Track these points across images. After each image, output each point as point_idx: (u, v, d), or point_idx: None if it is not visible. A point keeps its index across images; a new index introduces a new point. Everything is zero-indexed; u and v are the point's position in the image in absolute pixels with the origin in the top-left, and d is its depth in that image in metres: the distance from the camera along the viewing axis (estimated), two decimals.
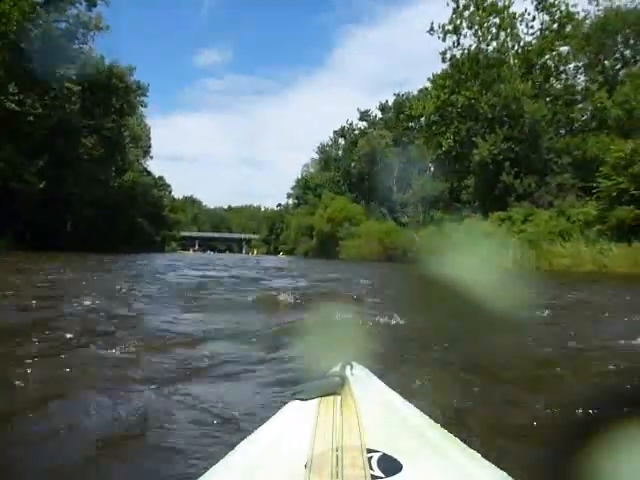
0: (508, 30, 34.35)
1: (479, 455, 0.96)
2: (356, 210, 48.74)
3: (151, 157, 61.98)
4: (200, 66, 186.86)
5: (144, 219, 53.45)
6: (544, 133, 31.83)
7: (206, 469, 0.94)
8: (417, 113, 37.31)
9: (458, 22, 33.96)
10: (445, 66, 35.76)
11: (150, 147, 61.20)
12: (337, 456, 0.90)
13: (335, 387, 1.25)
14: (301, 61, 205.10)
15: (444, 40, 35.34)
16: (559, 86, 35.47)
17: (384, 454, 0.91)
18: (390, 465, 0.87)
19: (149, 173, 63.50)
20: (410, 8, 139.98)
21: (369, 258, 35.69)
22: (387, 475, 0.84)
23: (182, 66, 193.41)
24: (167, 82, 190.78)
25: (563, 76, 35.41)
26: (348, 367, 1.44)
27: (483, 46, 34.65)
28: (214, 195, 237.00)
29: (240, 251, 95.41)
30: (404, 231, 37.06)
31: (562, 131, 35.09)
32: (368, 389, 1.30)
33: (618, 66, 33.48)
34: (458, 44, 34.30)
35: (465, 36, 34.76)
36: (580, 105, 33.58)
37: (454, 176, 37.42)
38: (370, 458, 0.89)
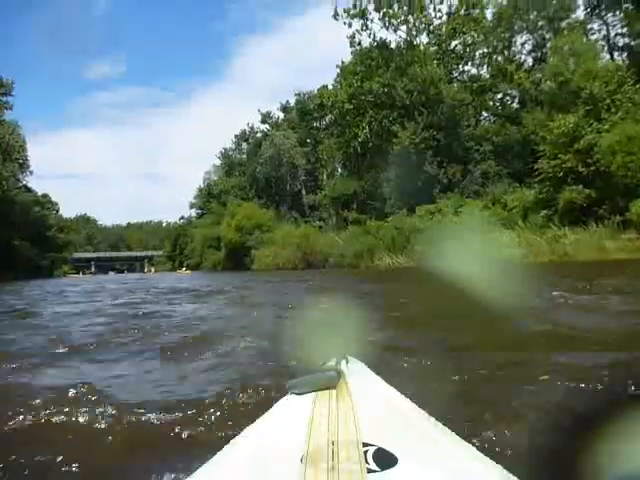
0: (416, 15, 32.23)
1: (474, 448, 0.96)
2: (266, 216, 44.88)
3: (30, 172, 54.77)
4: (91, 79, 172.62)
5: (24, 241, 46.93)
6: (464, 119, 29.88)
7: (201, 464, 0.93)
8: (329, 102, 33.93)
9: (364, 4, 31.25)
10: (354, 52, 32.93)
11: (27, 160, 53.90)
12: (333, 450, 0.90)
13: (331, 381, 1.23)
14: (199, 72, 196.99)
15: (350, 26, 32.64)
16: (473, 71, 34.08)
17: (380, 447, 0.90)
18: (386, 458, 0.87)
19: (29, 190, 56.23)
20: (302, 17, 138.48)
21: (286, 266, 31.98)
22: (383, 468, 0.84)
23: (72, 79, 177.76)
24: (56, 96, 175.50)
25: (476, 61, 33.96)
26: (343, 361, 1.42)
27: (391, 31, 32.32)
28: (112, 213, 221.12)
29: (142, 269, 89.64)
30: (324, 234, 33.69)
31: (481, 118, 33.62)
32: (364, 383, 1.29)
33: (529, 46, 32.59)
34: (366, 27, 31.59)
35: (372, 21, 32.22)
36: (494, 90, 32.20)
37: (370, 171, 34.73)
38: (366, 451, 0.89)
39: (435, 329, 4.77)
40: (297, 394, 1.24)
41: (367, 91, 30.61)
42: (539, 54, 32.49)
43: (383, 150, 31.77)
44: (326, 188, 43.22)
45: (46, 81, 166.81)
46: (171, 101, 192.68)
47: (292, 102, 59.67)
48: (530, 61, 33.09)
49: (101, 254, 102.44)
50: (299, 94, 58.35)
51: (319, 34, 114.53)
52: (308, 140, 53.86)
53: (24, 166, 54.56)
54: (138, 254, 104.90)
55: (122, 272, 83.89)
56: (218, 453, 0.98)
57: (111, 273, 77.12)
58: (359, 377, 1.33)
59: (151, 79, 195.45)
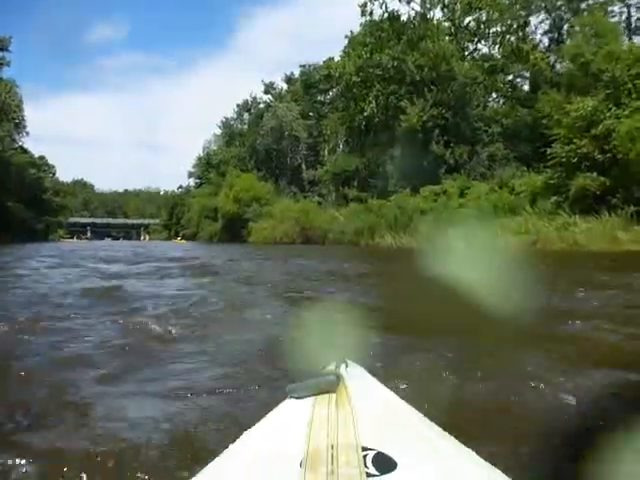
0: None
1: (474, 453, 0.94)
2: (265, 189, 44.09)
3: (27, 133, 53.51)
4: (93, 43, 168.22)
5: (19, 203, 46.02)
6: (474, 98, 28.95)
7: (200, 468, 0.93)
8: (336, 73, 32.77)
9: None
10: (364, 22, 31.76)
11: (24, 120, 52.71)
12: (332, 454, 0.89)
13: (330, 385, 1.22)
14: (202, 41, 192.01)
15: None
16: (485, 50, 33.00)
17: (379, 452, 0.90)
18: (385, 463, 0.86)
19: (25, 151, 55.08)
20: None
21: (284, 241, 31.36)
22: (382, 473, 0.83)
23: (74, 42, 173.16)
24: (57, 59, 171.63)
25: (489, 40, 32.85)
26: (343, 365, 1.40)
27: (404, 2, 31.11)
28: (109, 179, 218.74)
29: (138, 237, 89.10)
30: (323, 210, 32.95)
31: (489, 99, 32.69)
32: (363, 387, 1.29)
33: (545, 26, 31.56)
34: None
35: None
36: (506, 71, 31.22)
37: (374, 148, 33.80)
38: (365, 456, 0.88)
39: (437, 332, 3.93)
40: (296, 398, 1.22)
41: (376, 64, 29.50)
42: (556, 35, 31.49)
43: (389, 127, 30.84)
44: (327, 163, 42.33)
45: (47, 44, 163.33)
46: (173, 69, 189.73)
47: (297, 74, 58.44)
48: (546, 42, 32.14)
49: (97, 220, 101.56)
50: (304, 66, 57.03)
51: (327, 9, 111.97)
52: (311, 113, 52.75)
53: (20, 126, 53.43)
54: (134, 222, 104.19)
55: (118, 239, 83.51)
56: (217, 458, 0.97)
57: (107, 239, 77.11)
58: (359, 381, 1.32)
59: (154, 45, 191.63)
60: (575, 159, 18.01)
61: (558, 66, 29.93)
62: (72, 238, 63.40)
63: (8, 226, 40.10)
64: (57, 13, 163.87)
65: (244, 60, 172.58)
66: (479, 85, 28.25)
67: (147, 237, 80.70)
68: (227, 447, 1.02)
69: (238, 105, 64.08)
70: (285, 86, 60.38)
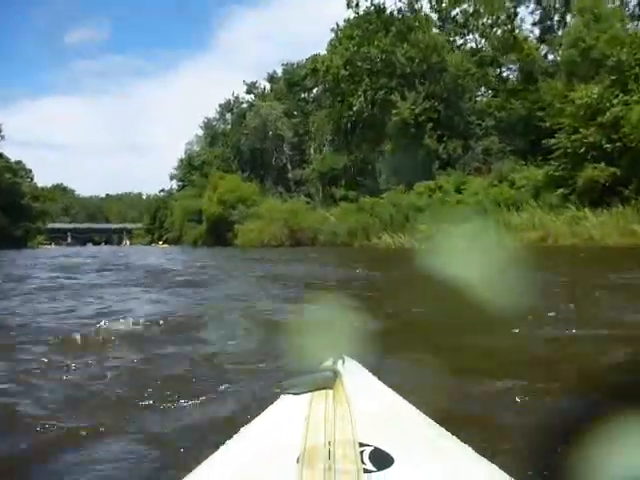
0: None
1: (471, 449, 0.94)
2: (250, 189, 42.69)
3: (2, 137, 51.84)
4: (72, 45, 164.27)
5: None
6: (466, 91, 27.99)
7: (197, 464, 0.92)
8: (323, 67, 31.50)
9: None
10: (350, 15, 30.62)
11: None
12: (329, 450, 0.89)
13: (327, 381, 1.22)
14: (182, 42, 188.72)
15: None
16: (473, 43, 32.05)
17: (376, 448, 0.89)
18: (382, 459, 0.86)
19: (0, 155, 53.32)
20: None
21: (272, 243, 30.01)
22: (379, 469, 0.83)
23: (52, 45, 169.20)
24: (35, 62, 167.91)
25: (478, 32, 31.91)
26: (340, 361, 1.39)
27: None
28: (90, 184, 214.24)
29: (120, 242, 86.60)
30: (313, 211, 31.72)
31: (480, 92, 31.76)
32: (360, 383, 1.29)
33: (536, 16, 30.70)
34: None
35: None
36: (496, 63, 30.30)
37: (362, 145, 32.68)
38: (362, 452, 0.88)
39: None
40: (293, 394, 1.21)
41: (364, 57, 28.38)
42: (547, 25, 30.68)
43: (378, 122, 29.74)
44: (314, 162, 41.15)
45: (26, 46, 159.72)
46: (153, 71, 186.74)
47: (279, 73, 57.15)
48: (537, 32, 31.30)
49: (78, 225, 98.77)
50: (286, 64, 55.79)
51: (310, 8, 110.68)
52: (295, 112, 51.56)
53: None
54: (116, 226, 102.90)
55: (99, 244, 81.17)
56: (214, 453, 0.96)
57: (89, 244, 75.16)
58: (355, 377, 1.30)
59: (133, 48, 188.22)
60: (582, 149, 17.06)
61: (550, 56, 29.23)
62: (50, 244, 61.39)
63: None
64: (36, 17, 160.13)
65: (225, 61, 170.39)
66: (472, 77, 27.25)
67: (128, 242, 78.85)
68: (224, 443, 1.00)
69: (220, 105, 62.57)
70: (268, 85, 59.17)
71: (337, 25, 31.82)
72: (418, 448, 0.93)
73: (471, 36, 32.48)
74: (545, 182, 19.52)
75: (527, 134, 25.49)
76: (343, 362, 1.39)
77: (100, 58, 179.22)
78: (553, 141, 18.31)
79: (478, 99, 31.36)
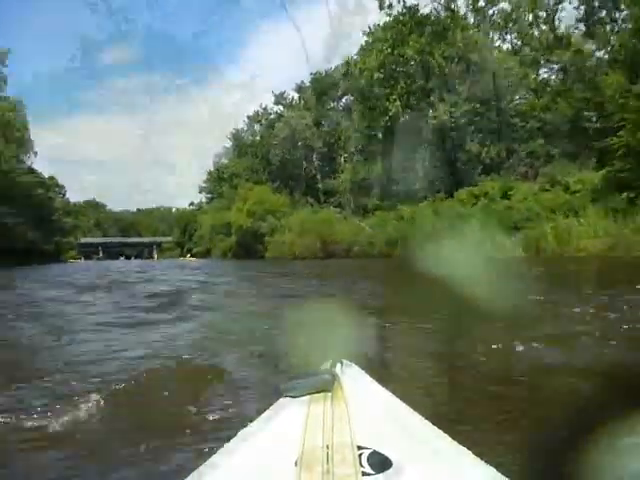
0: None
1: (469, 452, 0.94)
2: (280, 201, 41.58)
3: (35, 153, 52.50)
4: (107, 65, 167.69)
5: (26, 225, 44.18)
6: (508, 91, 26.34)
7: (196, 466, 0.92)
8: (356, 70, 30.21)
9: None
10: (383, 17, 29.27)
11: (31, 141, 51.83)
12: (328, 453, 0.89)
13: (326, 384, 1.21)
14: (214, 59, 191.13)
15: None
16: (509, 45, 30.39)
17: (374, 451, 0.89)
18: (380, 462, 0.86)
19: (32, 171, 53.68)
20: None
21: (305, 255, 28.68)
22: (377, 472, 0.83)
23: (88, 63, 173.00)
24: (69, 82, 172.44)
25: (516, 31, 30.27)
26: (338, 364, 1.38)
27: None
28: (121, 199, 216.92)
29: (150, 256, 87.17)
30: (347, 221, 30.32)
31: (520, 95, 30.04)
32: (358, 386, 1.27)
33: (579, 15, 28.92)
34: None
35: None
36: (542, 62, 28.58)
37: (397, 153, 31.24)
38: (360, 455, 0.87)
39: None
40: (292, 397, 1.20)
41: (398, 59, 26.99)
42: (593, 20, 28.85)
43: (414, 127, 28.28)
44: (345, 171, 39.85)
45: (61, 66, 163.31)
46: (184, 88, 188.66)
47: (307, 82, 56.30)
48: (582, 28, 29.47)
49: (109, 239, 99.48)
50: (315, 73, 54.87)
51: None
52: (324, 122, 50.56)
53: (26, 146, 52.26)
54: (147, 240, 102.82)
55: (129, 258, 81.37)
56: (213, 456, 0.95)
57: (121, 258, 75.61)
58: (354, 380, 1.29)
59: (164, 66, 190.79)
60: None
61: (598, 54, 27.41)
62: (80, 259, 61.62)
63: (12, 248, 38.27)
64: (72, 37, 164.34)
65: (254, 74, 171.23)
66: (516, 76, 25.61)
67: (156, 256, 79.28)
68: (222, 446, 1.00)
69: (248, 117, 61.95)
70: (296, 95, 58.39)
71: (369, 28, 30.58)
72: (417, 451, 0.91)
73: (509, 36, 31.00)
74: (604, 185, 17.78)
75: (574, 135, 23.79)
76: (342, 365, 1.37)
77: (132, 76, 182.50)
78: (615, 140, 16.57)
79: (518, 102, 29.76)
